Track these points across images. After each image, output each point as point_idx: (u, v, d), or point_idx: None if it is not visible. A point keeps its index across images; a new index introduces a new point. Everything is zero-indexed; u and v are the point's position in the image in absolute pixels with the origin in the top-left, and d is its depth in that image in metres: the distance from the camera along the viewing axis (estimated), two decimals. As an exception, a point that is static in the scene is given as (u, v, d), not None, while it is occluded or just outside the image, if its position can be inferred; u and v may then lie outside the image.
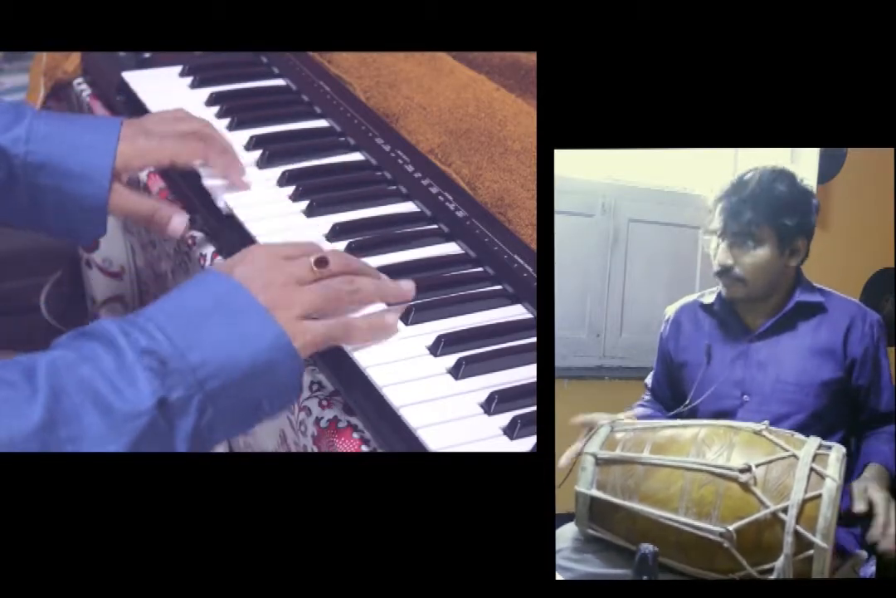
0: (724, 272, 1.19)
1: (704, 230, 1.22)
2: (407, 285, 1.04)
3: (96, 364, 0.85)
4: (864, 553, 1.12)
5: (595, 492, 1.08)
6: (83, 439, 0.83)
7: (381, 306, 1.02)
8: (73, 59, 1.51)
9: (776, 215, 1.17)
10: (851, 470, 1.14)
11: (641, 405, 1.31)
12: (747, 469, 1.02)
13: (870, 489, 1.09)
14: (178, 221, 1.16)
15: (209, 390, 0.88)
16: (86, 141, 1.12)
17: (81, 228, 1.15)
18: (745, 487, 1.02)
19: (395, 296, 1.03)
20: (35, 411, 0.81)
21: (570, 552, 1.14)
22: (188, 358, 0.87)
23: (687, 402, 1.24)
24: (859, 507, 1.07)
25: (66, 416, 0.83)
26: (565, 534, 1.15)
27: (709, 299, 1.26)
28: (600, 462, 1.09)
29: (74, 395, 0.84)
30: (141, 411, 0.84)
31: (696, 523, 1.02)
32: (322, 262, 0.98)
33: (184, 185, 1.24)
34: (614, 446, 1.10)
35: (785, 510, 1.00)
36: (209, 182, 1.20)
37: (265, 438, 1.13)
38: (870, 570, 1.11)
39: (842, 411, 1.20)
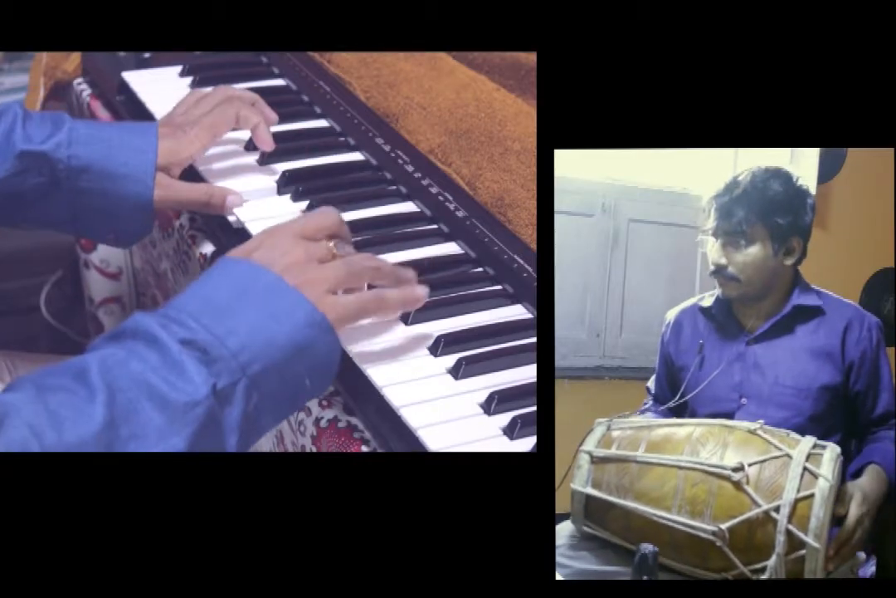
0: (718, 271, 1.19)
1: (700, 230, 1.22)
2: (422, 290, 1.01)
3: (144, 360, 0.84)
4: (862, 554, 1.12)
5: (590, 490, 1.09)
6: (145, 436, 0.82)
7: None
8: (73, 59, 1.51)
9: (769, 214, 1.17)
10: (846, 471, 1.14)
11: (649, 411, 1.30)
12: (740, 468, 1.02)
13: (854, 500, 1.07)
14: (234, 198, 1.16)
15: (252, 375, 0.87)
16: (126, 141, 1.13)
17: (127, 229, 1.16)
18: (737, 486, 1.02)
19: (410, 281, 1.01)
20: (97, 411, 0.81)
21: (566, 549, 1.14)
22: (228, 345, 0.86)
23: (679, 396, 1.24)
24: (838, 511, 1.06)
25: (125, 413, 0.82)
26: (562, 531, 1.15)
27: (707, 302, 1.26)
28: (595, 460, 1.10)
29: (128, 391, 0.83)
30: (198, 401, 0.84)
31: (690, 521, 1.02)
32: (337, 238, 0.98)
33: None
34: (610, 445, 1.11)
35: (777, 510, 1.00)
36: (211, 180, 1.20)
37: (264, 439, 1.13)
38: (869, 570, 1.11)
39: (839, 415, 1.20)
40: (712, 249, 1.19)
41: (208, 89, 1.24)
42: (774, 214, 1.17)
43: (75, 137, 1.12)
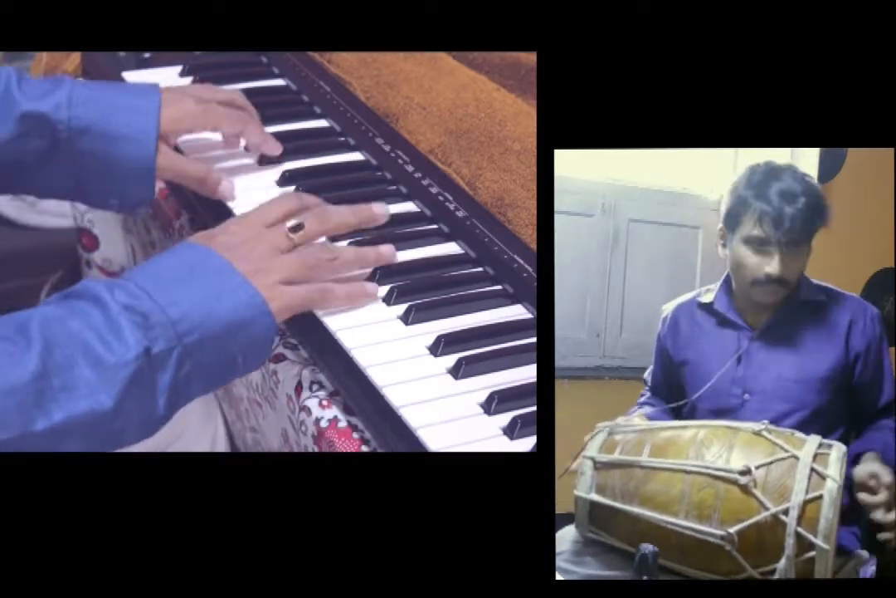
0: (774, 281, 1.16)
1: (730, 237, 1.18)
2: (387, 249, 1.08)
3: (85, 319, 0.89)
4: (865, 553, 1.12)
5: (594, 496, 1.08)
6: (75, 389, 0.86)
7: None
8: (73, 59, 1.51)
9: (819, 219, 1.17)
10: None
11: (647, 404, 1.30)
12: (747, 471, 1.02)
13: (881, 472, 1.09)
14: (227, 185, 1.17)
15: (188, 344, 0.91)
16: (128, 103, 1.13)
17: (128, 194, 1.15)
18: (745, 489, 1.01)
19: (376, 261, 1.07)
20: (30, 361, 0.85)
21: (570, 554, 1.13)
22: (168, 313, 0.91)
23: (684, 401, 1.24)
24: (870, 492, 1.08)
25: (59, 366, 0.86)
26: (566, 536, 1.15)
27: (707, 297, 1.26)
28: (599, 466, 1.09)
29: (65, 347, 0.87)
30: (128, 361, 0.88)
31: (697, 526, 1.02)
32: (297, 227, 1.02)
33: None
34: (613, 449, 1.10)
35: (786, 512, 1.00)
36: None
37: (272, 436, 1.13)
38: (870, 570, 1.11)
39: (843, 407, 1.20)
40: (769, 260, 1.15)
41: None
42: (820, 219, 1.17)
43: (76, 97, 1.11)
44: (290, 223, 1.02)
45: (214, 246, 0.98)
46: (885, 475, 1.10)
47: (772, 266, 1.15)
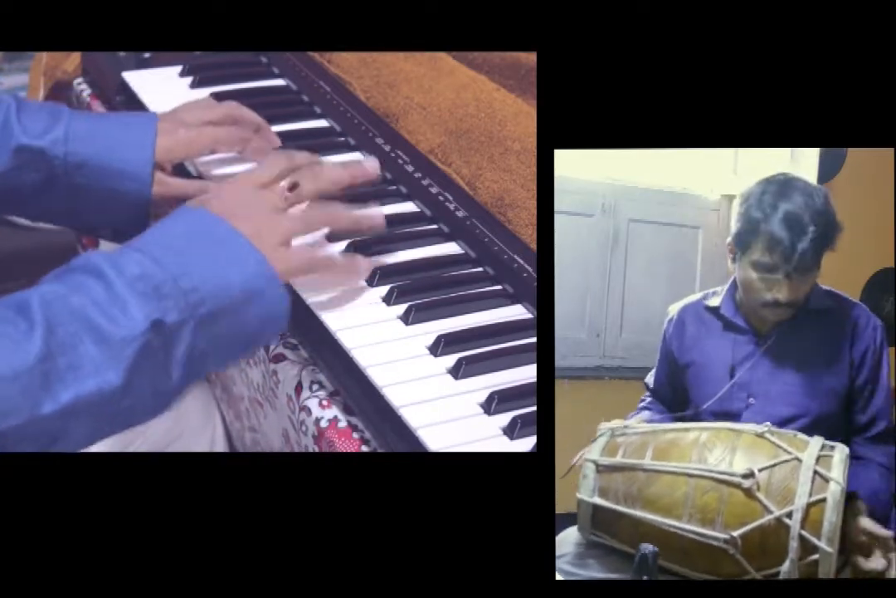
0: (782, 305, 1.15)
1: (739, 256, 1.16)
2: (376, 212, 1.08)
3: (86, 293, 0.87)
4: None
5: (597, 500, 1.08)
6: (82, 367, 0.85)
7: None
8: (73, 59, 1.51)
9: (829, 244, 1.15)
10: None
11: (647, 408, 1.30)
12: (750, 475, 1.01)
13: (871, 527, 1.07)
14: None
15: (201, 315, 0.90)
16: (124, 138, 1.13)
17: (122, 224, 1.16)
18: (748, 492, 1.01)
19: (368, 223, 1.07)
20: (33, 345, 0.83)
21: (573, 557, 1.13)
22: (180, 283, 0.89)
23: (688, 412, 1.24)
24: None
25: (63, 345, 0.84)
26: (568, 539, 1.15)
27: (714, 301, 1.25)
28: (601, 469, 1.09)
29: (68, 325, 0.85)
30: (135, 336, 0.86)
31: (701, 529, 1.02)
32: (293, 186, 1.02)
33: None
34: (615, 452, 1.10)
35: (789, 515, 0.99)
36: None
37: (274, 436, 1.13)
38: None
39: (846, 415, 1.20)
40: (778, 286, 1.14)
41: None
42: (831, 244, 1.15)
43: (73, 132, 1.11)
44: (286, 182, 1.01)
45: (213, 210, 0.96)
46: (878, 530, 1.07)
47: (781, 293, 1.14)
